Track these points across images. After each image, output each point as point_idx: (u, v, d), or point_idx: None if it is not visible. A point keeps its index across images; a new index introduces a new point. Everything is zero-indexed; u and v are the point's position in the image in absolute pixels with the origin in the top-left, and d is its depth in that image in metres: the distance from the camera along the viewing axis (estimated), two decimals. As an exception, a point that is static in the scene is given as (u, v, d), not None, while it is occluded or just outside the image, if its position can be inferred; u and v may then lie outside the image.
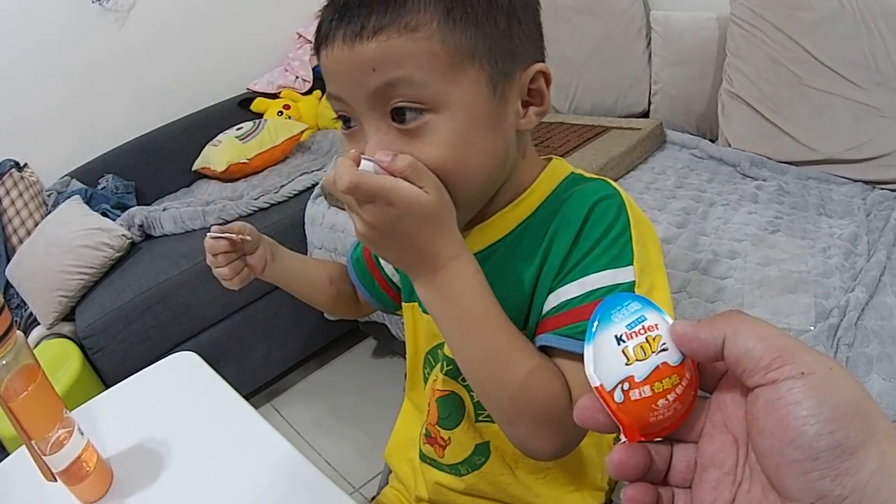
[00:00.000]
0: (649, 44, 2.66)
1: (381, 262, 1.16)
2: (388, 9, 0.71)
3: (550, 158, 0.92)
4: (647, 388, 0.47)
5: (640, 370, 0.47)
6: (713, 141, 2.38)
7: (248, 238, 1.07)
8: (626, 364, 0.48)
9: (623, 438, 0.49)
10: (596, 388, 0.48)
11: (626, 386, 0.47)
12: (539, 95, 0.81)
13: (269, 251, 1.12)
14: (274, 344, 2.80)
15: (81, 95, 3.35)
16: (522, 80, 0.79)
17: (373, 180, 0.67)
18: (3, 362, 0.89)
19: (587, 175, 0.90)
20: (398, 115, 0.73)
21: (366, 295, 1.20)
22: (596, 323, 0.51)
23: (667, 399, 0.47)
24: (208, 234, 1.05)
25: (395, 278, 1.15)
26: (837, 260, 1.59)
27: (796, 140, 2.13)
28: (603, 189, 0.83)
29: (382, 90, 0.72)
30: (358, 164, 0.69)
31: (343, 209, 2.37)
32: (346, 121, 0.80)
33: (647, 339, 0.48)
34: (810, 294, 1.50)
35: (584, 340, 0.75)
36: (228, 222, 1.07)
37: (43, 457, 0.96)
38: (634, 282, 0.76)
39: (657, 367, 0.47)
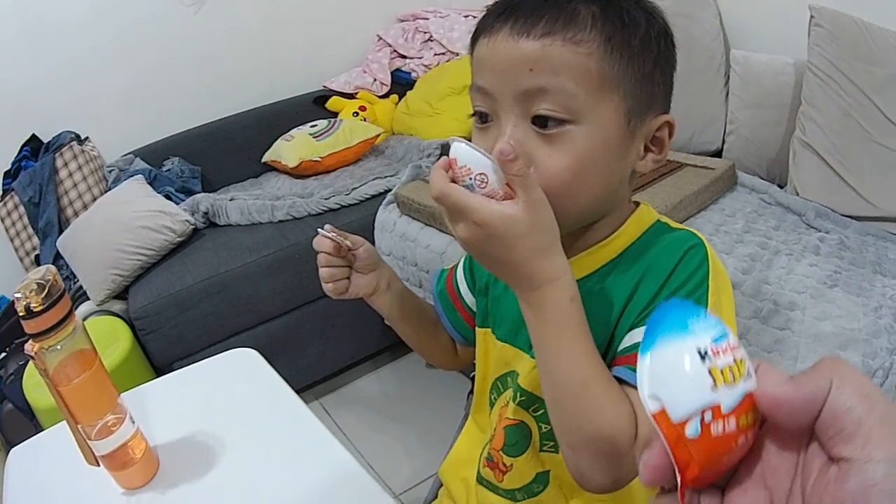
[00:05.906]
0: (727, 82, 2.65)
1: (461, 290, 1.15)
2: (559, 18, 0.76)
3: (637, 203, 0.94)
4: (732, 420, 0.38)
5: (728, 398, 0.38)
6: (782, 186, 2.37)
7: (353, 248, 1.06)
8: (713, 388, 0.38)
9: (678, 480, 0.39)
10: (655, 414, 0.39)
11: (708, 416, 0.37)
12: (659, 144, 0.86)
13: (385, 279, 1.13)
14: (331, 343, 2.80)
15: (151, 76, 3.39)
16: (651, 126, 0.83)
17: (459, 195, 0.70)
18: (58, 347, 0.90)
19: (672, 224, 0.92)
20: (540, 121, 0.77)
21: (448, 327, 1.18)
22: (659, 328, 0.40)
23: (746, 437, 0.39)
24: (318, 228, 1.05)
25: (474, 304, 1.13)
26: (887, 321, 1.57)
27: (860, 195, 2.13)
28: (692, 238, 0.86)
29: (533, 93, 0.76)
30: (447, 170, 0.73)
31: (415, 219, 2.39)
32: (482, 117, 0.83)
33: (734, 360, 0.39)
34: (859, 353, 1.49)
35: None
36: (299, 219, 1.07)
37: (88, 441, 0.97)
38: None
39: (744, 396, 0.38)
